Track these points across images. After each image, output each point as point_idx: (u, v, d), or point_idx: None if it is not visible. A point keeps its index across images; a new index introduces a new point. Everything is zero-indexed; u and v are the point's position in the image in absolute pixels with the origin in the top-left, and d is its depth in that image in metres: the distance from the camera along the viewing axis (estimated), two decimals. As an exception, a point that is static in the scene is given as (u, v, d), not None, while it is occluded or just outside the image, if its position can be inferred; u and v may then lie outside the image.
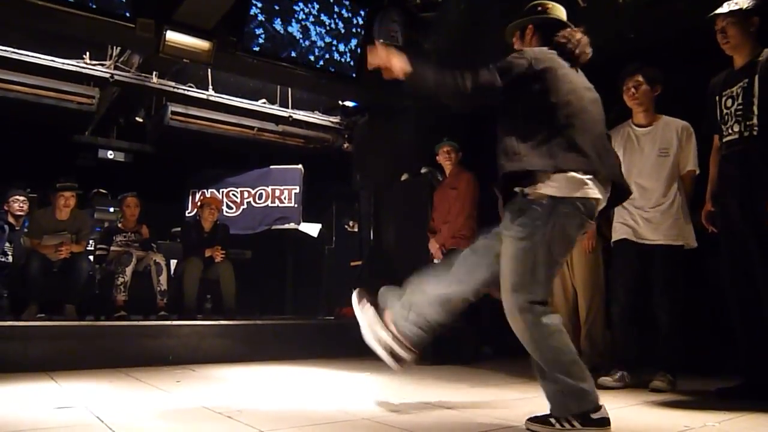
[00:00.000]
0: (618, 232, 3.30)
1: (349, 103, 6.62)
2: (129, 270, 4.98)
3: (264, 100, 6.53)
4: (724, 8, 2.83)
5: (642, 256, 3.20)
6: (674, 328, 3.13)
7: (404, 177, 5.48)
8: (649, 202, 3.21)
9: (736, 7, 2.80)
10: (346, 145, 6.97)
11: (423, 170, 5.29)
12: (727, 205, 2.89)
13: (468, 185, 4.57)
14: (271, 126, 6.64)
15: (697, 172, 3.24)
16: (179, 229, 6.30)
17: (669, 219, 3.17)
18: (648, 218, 3.20)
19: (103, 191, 6.82)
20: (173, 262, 5.60)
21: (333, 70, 5.17)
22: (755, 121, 2.74)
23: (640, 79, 3.26)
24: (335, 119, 6.92)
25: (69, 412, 2.36)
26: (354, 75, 5.26)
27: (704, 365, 3.62)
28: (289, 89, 6.50)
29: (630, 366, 3.19)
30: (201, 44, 4.51)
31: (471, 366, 3.94)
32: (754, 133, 2.74)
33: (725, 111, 2.90)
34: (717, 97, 2.96)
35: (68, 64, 5.37)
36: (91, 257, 5.35)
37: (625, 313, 3.24)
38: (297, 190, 7.36)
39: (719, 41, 2.88)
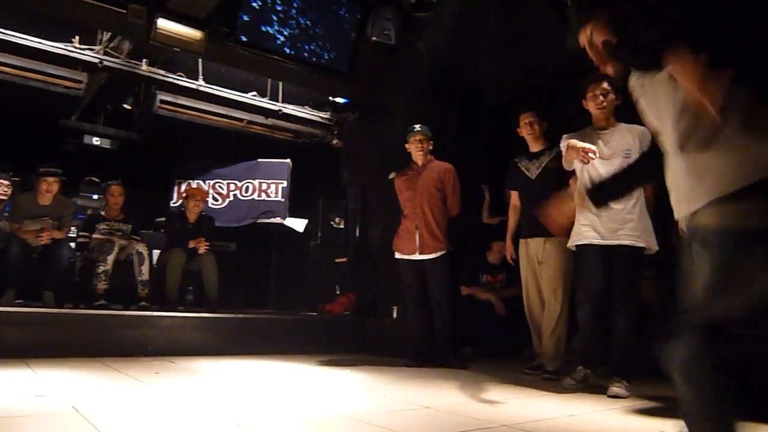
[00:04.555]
0: (581, 236, 3.31)
1: (339, 100, 6.61)
2: (111, 258, 4.92)
3: (254, 93, 6.51)
4: None
5: (605, 258, 3.23)
6: (630, 334, 3.17)
7: (392, 175, 5.49)
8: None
9: None
10: (335, 141, 6.97)
11: (411, 169, 5.27)
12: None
13: (455, 179, 4.33)
14: (260, 119, 6.62)
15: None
16: (163, 219, 6.24)
17: (631, 220, 3.20)
18: (610, 219, 3.21)
19: (95, 179, 6.72)
20: (156, 252, 5.54)
21: (325, 65, 5.15)
22: None
23: (607, 86, 3.27)
24: (325, 115, 6.91)
25: (44, 400, 2.33)
26: (346, 71, 5.24)
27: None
28: (280, 83, 6.48)
29: (594, 367, 3.25)
30: (193, 33, 4.46)
31: (452, 367, 3.95)
32: None
33: None
34: None
35: (57, 47, 5.31)
36: (73, 244, 5.28)
37: (590, 316, 3.27)
38: (284, 185, 7.31)
39: None
